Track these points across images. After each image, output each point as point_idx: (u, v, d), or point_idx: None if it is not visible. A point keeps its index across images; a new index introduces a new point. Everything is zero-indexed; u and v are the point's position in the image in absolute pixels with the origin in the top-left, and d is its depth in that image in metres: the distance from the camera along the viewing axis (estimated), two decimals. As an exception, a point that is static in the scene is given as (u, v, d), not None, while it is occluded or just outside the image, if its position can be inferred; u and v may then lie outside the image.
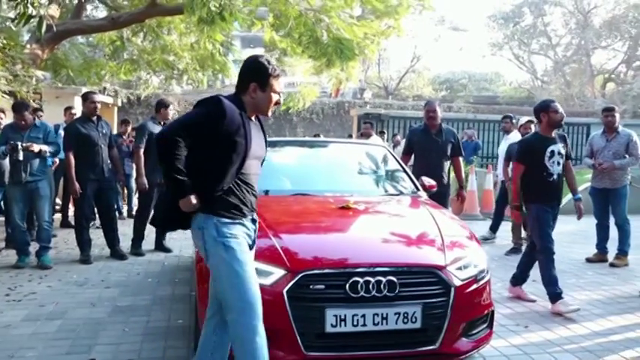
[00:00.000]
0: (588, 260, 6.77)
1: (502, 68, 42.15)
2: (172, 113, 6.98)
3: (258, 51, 15.41)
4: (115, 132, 9.80)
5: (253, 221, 2.83)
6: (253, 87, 2.75)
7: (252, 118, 2.83)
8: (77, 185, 6.25)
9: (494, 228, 8.07)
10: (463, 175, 6.21)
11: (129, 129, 10.14)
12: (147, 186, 6.63)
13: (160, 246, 7.08)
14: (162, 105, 6.98)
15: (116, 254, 6.59)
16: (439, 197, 5.44)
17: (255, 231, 2.84)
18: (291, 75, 18.31)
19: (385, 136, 12.91)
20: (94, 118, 6.43)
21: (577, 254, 7.06)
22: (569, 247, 7.58)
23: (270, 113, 2.86)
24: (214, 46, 9.94)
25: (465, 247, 3.47)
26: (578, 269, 6.40)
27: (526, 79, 34.08)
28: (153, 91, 15.78)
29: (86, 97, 6.49)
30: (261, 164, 2.91)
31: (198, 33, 10.09)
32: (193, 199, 2.64)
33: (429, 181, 4.94)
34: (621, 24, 27.71)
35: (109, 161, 6.51)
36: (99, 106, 6.55)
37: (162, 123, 6.83)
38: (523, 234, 7.23)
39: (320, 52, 8.75)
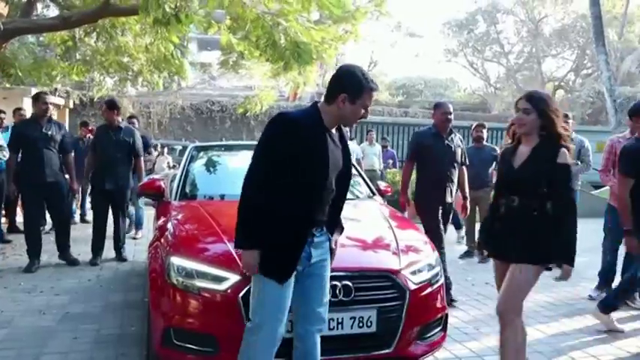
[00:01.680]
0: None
1: (457, 74, 43.04)
2: (123, 115, 6.84)
3: (216, 53, 15.26)
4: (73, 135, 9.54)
5: None
6: (342, 98, 2.61)
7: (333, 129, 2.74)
8: (13, 187, 6.17)
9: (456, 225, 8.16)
10: (466, 186, 5.62)
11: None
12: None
13: (117, 255, 6.87)
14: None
15: (67, 259, 6.41)
16: (448, 213, 5.31)
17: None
18: (248, 78, 18.22)
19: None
20: (44, 119, 6.20)
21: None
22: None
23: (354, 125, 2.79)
24: (167, 48, 9.79)
25: (420, 252, 3.51)
26: (529, 272, 6.54)
27: (480, 86, 34.92)
28: (106, 92, 15.43)
29: (37, 98, 6.27)
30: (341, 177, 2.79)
31: (153, 34, 9.92)
32: None
33: (383, 185, 4.99)
34: (570, 33, 28.70)
35: (57, 165, 6.26)
36: (50, 107, 6.37)
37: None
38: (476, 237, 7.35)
39: (277, 56, 8.70)
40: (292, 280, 2.68)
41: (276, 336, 2.67)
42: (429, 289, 3.31)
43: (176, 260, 3.17)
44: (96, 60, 11.82)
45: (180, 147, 14.91)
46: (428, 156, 5.22)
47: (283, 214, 2.60)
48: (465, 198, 5.69)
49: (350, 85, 2.61)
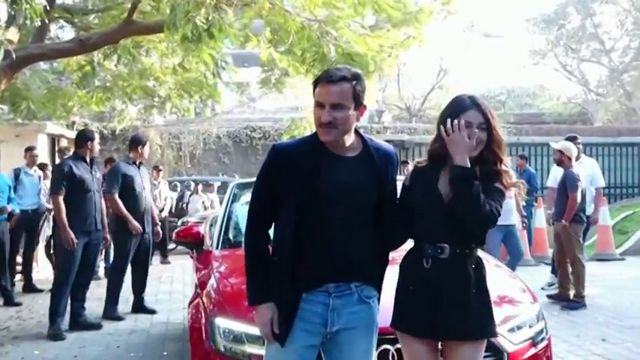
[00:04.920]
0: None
1: (547, 80, 42.09)
2: (151, 150, 7.03)
3: (255, 71, 15.60)
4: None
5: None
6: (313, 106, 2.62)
7: (350, 152, 2.63)
8: (72, 234, 6.07)
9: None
10: None
11: None
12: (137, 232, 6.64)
13: (140, 307, 7.05)
14: (136, 142, 7.04)
15: (80, 325, 6.43)
16: None
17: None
18: (294, 98, 18.49)
19: (409, 167, 12.87)
20: (89, 159, 6.43)
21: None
22: None
23: (326, 137, 2.54)
24: (207, 66, 10.07)
25: (517, 303, 3.43)
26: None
27: (577, 92, 34.19)
28: (130, 123, 15.93)
29: (87, 137, 6.52)
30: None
31: (182, 54, 10.24)
32: None
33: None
34: (689, 22, 27.87)
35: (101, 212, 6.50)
36: (97, 147, 6.56)
37: (137, 163, 6.88)
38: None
39: (328, 71, 8.84)
40: (302, 350, 2.59)
41: None
42: (533, 350, 3.23)
43: (222, 322, 3.20)
44: (117, 86, 12.26)
45: (219, 183, 15.20)
46: None
47: (278, 261, 2.62)
48: None
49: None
